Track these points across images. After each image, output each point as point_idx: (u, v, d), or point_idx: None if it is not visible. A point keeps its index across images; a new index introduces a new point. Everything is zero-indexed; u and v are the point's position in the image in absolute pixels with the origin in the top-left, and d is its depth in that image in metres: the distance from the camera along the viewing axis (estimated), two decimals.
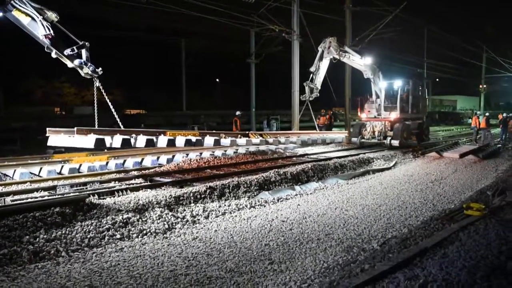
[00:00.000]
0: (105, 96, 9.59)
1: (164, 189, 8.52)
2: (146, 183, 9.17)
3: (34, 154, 12.91)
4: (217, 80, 58.17)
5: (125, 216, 6.42)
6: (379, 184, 10.31)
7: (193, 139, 10.60)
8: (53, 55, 8.58)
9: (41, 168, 10.46)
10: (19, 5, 8.06)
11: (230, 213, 7.46)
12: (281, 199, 8.61)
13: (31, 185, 8.90)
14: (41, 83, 42.59)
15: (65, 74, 42.56)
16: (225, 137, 11.73)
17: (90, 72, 9.03)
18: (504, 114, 22.32)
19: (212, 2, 16.04)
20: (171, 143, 10.10)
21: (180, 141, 10.21)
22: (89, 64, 8.92)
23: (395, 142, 16.72)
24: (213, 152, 14.12)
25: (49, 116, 30.09)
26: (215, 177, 10.00)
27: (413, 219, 7.10)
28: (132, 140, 9.47)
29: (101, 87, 9.36)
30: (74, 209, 6.43)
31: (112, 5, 16.98)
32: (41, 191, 8.18)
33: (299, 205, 8.13)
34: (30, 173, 10.20)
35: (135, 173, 10.66)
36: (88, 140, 8.77)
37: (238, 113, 18.69)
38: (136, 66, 50.48)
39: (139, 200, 7.23)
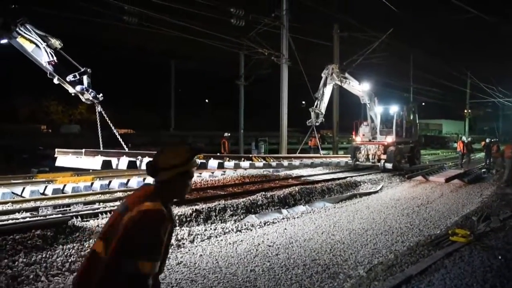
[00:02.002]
0: (108, 121, 9.92)
1: None
2: None
3: (18, 173, 12.70)
4: (206, 100, 58.42)
5: None
6: (366, 208, 10.31)
7: (198, 162, 10.52)
8: (55, 81, 8.76)
9: (24, 188, 10.25)
10: (24, 32, 8.13)
11: (216, 237, 7.36)
12: (268, 223, 8.54)
13: (12, 205, 8.72)
14: (28, 100, 42.23)
15: (53, 91, 42.42)
16: (229, 160, 11.76)
17: (91, 98, 9.23)
18: (487, 140, 22.75)
19: (202, 25, 16.24)
20: None
21: None
22: (90, 90, 9.09)
23: (389, 165, 17.17)
24: (200, 174, 14.05)
25: (35, 134, 29.73)
26: (201, 199, 9.90)
27: (399, 245, 7.09)
28: (138, 162, 9.51)
29: (103, 112, 9.60)
30: (56, 231, 6.29)
31: (101, 25, 17.05)
32: (23, 212, 8.02)
33: (285, 229, 8.07)
34: (13, 193, 9.99)
35: (120, 194, 10.51)
36: (96, 162, 9.00)
37: (226, 134, 18.75)
38: (125, 85, 50.58)
39: None
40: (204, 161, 11.11)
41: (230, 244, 6.92)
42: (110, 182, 11.73)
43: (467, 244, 5.81)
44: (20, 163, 19.19)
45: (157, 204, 1.96)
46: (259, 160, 13.06)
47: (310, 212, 9.77)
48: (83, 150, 9.20)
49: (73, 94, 9.54)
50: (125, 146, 10.27)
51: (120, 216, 1.97)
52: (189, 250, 6.53)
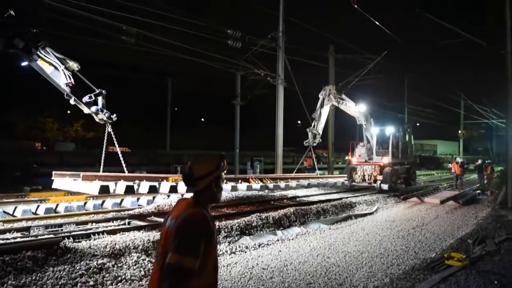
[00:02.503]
0: (115, 141, 10.04)
1: (143, 233, 8.30)
2: (124, 226, 8.93)
3: (10, 192, 12.56)
4: (202, 119, 58.59)
5: (100, 261, 6.19)
6: (361, 230, 10.25)
7: None
8: (72, 101, 9.02)
9: (15, 207, 10.14)
10: (44, 55, 8.38)
11: None
12: (263, 245, 8.45)
13: (4, 225, 8.60)
14: (23, 117, 42.13)
15: (48, 108, 42.34)
16: (226, 183, 11.74)
17: (105, 118, 9.46)
18: (480, 161, 22.86)
19: (199, 45, 16.41)
20: (173, 189, 10.12)
21: (182, 187, 10.15)
22: (105, 111, 9.33)
23: (385, 186, 17.24)
24: None
25: (29, 151, 29.55)
26: None
27: (395, 268, 7.02)
28: (135, 186, 9.53)
29: (112, 133, 9.78)
30: (47, 253, 6.18)
31: (98, 45, 17.20)
32: (13, 232, 7.90)
33: (280, 251, 7.99)
34: (4, 212, 9.88)
35: (114, 214, 10.40)
36: (93, 187, 8.94)
37: (222, 154, 18.82)
38: (121, 103, 50.66)
39: (115, 244, 7.01)
40: None
41: (224, 266, 6.83)
42: (103, 202, 11.62)
43: (463, 268, 5.77)
44: (13, 180, 19.01)
45: (199, 209, 2.27)
46: (256, 181, 12.92)
47: (305, 233, 9.70)
48: (81, 174, 9.14)
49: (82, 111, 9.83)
50: (125, 170, 10.37)
51: (170, 227, 2.21)
52: None
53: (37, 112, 42.09)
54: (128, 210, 11.20)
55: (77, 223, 8.95)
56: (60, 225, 8.70)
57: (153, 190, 9.75)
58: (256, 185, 12.86)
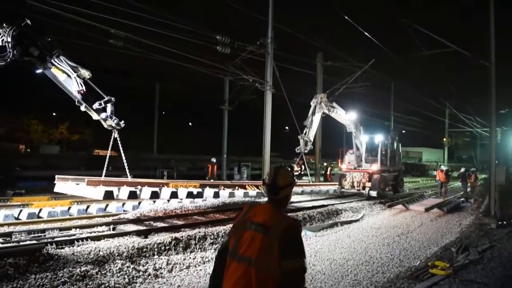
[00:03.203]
0: (120, 147, 10.23)
1: (127, 239, 8.22)
2: (108, 232, 8.83)
3: None
4: (190, 124, 58.39)
5: (83, 268, 6.10)
6: (347, 237, 10.30)
7: (195, 191, 10.84)
8: (82, 108, 9.30)
9: None
10: (58, 63, 8.67)
11: (195, 266, 7.22)
12: None
13: None
14: (7, 118, 41.45)
15: (33, 110, 41.71)
16: (223, 189, 11.91)
17: (113, 125, 9.74)
18: (463, 169, 23.19)
19: (188, 50, 16.35)
20: (174, 195, 10.28)
21: (182, 193, 10.41)
22: (114, 117, 9.61)
23: (373, 193, 17.55)
24: (181, 200, 13.86)
25: (13, 154, 29.05)
26: (181, 227, 9.73)
27: (379, 276, 7.06)
28: (138, 192, 9.66)
29: (118, 139, 10.05)
30: (29, 260, 6.07)
31: (86, 48, 17.05)
32: None
33: None
34: None
35: (98, 220, 10.28)
36: (97, 192, 8.99)
37: (213, 160, 19.10)
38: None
39: (99, 250, 6.92)
40: (201, 190, 11.23)
41: (209, 274, 6.75)
42: (88, 207, 11.47)
43: (447, 277, 5.83)
44: None
45: (289, 216, 2.69)
46: (253, 188, 13.05)
47: None
48: (86, 179, 9.21)
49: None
50: (129, 175, 10.53)
51: (259, 232, 2.47)
52: (167, 280, 6.39)
53: (21, 114, 41.48)
54: (113, 215, 11.09)
55: (61, 229, 8.82)
56: (43, 231, 8.56)
57: (155, 195, 9.87)
58: (253, 191, 12.96)
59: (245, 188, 12.91)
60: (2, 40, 7.56)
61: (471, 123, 39.32)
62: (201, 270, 7.02)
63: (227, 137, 26.82)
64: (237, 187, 12.76)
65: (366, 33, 17.96)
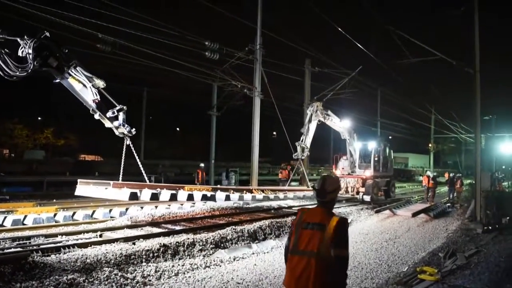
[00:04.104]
0: (134, 153, 10.56)
1: (115, 246, 8.11)
2: (95, 239, 8.71)
3: None
4: (177, 129, 58.11)
5: (70, 276, 5.99)
6: None
7: (208, 194, 11.39)
8: (96, 116, 9.67)
9: None
10: (74, 74, 9.04)
11: (184, 273, 7.15)
12: (238, 258, 8.39)
13: None
14: None
15: (17, 114, 41.08)
16: (233, 193, 12.45)
17: (125, 132, 10.12)
18: (452, 174, 23.45)
19: (177, 55, 16.34)
20: (190, 197, 10.84)
21: (197, 195, 10.99)
22: (126, 125, 10.01)
23: (367, 198, 18.03)
24: (169, 206, 13.79)
25: None
26: (169, 233, 9.64)
27: (368, 282, 7.08)
28: (158, 194, 10.16)
29: (131, 146, 10.45)
30: (14, 268, 5.95)
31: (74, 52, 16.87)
32: None
33: (255, 264, 7.94)
34: None
35: (85, 226, 10.13)
36: (123, 194, 9.55)
37: (201, 165, 19.05)
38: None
39: (86, 258, 6.82)
40: (214, 193, 11.73)
41: (198, 281, 6.74)
42: (74, 213, 11.31)
43: (435, 282, 5.87)
44: None
45: (338, 214, 3.22)
46: (259, 192, 13.64)
47: (280, 246, 9.67)
48: (111, 182, 9.73)
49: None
50: (147, 179, 10.91)
51: (316, 230, 3.07)
52: None
53: (5, 118, 40.82)
54: (100, 221, 10.95)
55: (46, 236, 8.67)
56: (28, 238, 8.41)
57: (173, 197, 10.42)
58: (260, 195, 13.57)
59: (252, 192, 13.39)
60: (23, 51, 7.82)
61: (456, 129, 39.94)
62: (189, 277, 6.95)
63: (215, 143, 26.74)
64: (245, 191, 13.22)
65: (353, 40, 18.15)
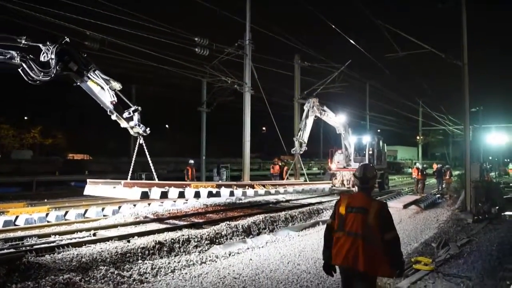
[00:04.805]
0: (146, 153, 10.90)
1: (110, 244, 8.05)
2: (89, 238, 8.64)
3: None
4: (167, 126, 57.77)
5: (66, 276, 5.93)
6: None
7: (214, 190, 11.69)
8: (114, 117, 10.06)
9: None
10: (93, 77, 9.38)
11: (180, 270, 7.15)
12: (233, 253, 8.41)
13: None
14: None
15: (3, 114, 40.44)
16: (236, 188, 12.71)
17: (140, 132, 10.52)
18: (439, 165, 23.75)
19: (165, 52, 16.22)
20: (197, 194, 11.12)
21: (203, 192, 11.29)
22: (141, 125, 10.43)
23: None
24: (162, 203, 13.73)
25: None
26: (164, 230, 9.60)
27: None
28: (167, 192, 10.49)
29: (144, 145, 10.81)
30: (9, 269, 5.88)
31: None
32: None
33: (251, 259, 7.97)
34: None
35: (78, 226, 10.05)
36: (134, 193, 9.81)
37: (191, 161, 18.89)
38: (82, 110, 49.16)
39: (82, 257, 6.77)
40: (219, 189, 11.97)
41: (195, 277, 6.74)
42: (66, 212, 11.20)
43: (430, 272, 5.96)
44: None
45: (378, 199, 3.72)
46: (260, 187, 13.87)
47: (274, 241, 9.72)
48: (122, 182, 9.99)
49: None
50: (155, 177, 11.19)
51: (359, 213, 3.53)
52: (152, 285, 6.30)
53: None
54: (93, 220, 10.88)
55: (39, 236, 8.58)
56: (21, 238, 8.31)
57: (181, 195, 10.70)
58: (261, 190, 13.77)
59: (253, 187, 13.61)
60: (44, 56, 8.22)
61: (443, 121, 40.38)
62: (186, 273, 6.95)
63: (206, 139, 26.64)
64: (247, 187, 13.43)
65: (343, 34, 18.20)
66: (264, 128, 57.47)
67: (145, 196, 9.88)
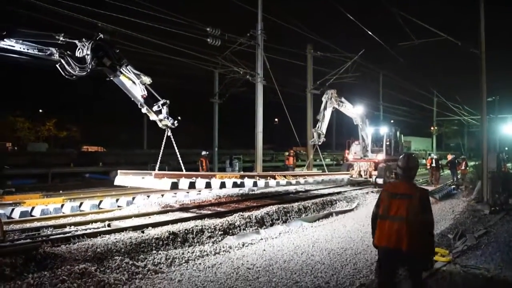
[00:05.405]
0: (174, 145, 11.11)
1: (124, 235, 8.09)
2: (104, 228, 8.71)
3: None
4: (179, 118, 57.88)
5: (81, 266, 5.99)
6: (343, 227, 10.33)
7: (238, 181, 11.96)
8: (144, 110, 10.48)
9: None
10: (125, 72, 9.73)
11: (194, 260, 7.16)
12: (246, 244, 8.40)
13: None
14: None
15: (19, 107, 40.96)
16: (259, 179, 12.88)
17: (169, 124, 10.86)
18: (453, 156, 23.39)
19: (177, 43, 16.16)
20: (223, 185, 11.39)
21: (229, 183, 11.55)
22: (170, 118, 10.73)
23: (380, 180, 18.66)
24: (175, 194, 13.79)
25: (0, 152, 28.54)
26: (178, 221, 9.62)
27: None
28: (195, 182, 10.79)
29: (171, 137, 11.13)
30: (25, 259, 5.95)
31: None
32: None
33: (264, 250, 7.95)
34: None
35: (93, 216, 10.14)
36: (164, 183, 10.16)
37: (204, 153, 18.78)
38: (96, 102, 49.53)
39: (97, 247, 6.82)
40: (243, 180, 12.27)
41: (209, 267, 6.75)
42: (81, 203, 11.32)
43: (447, 263, 5.86)
44: None
45: (420, 186, 4.28)
46: (282, 178, 14.08)
47: (288, 232, 9.69)
48: (153, 173, 10.34)
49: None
50: (183, 169, 11.51)
51: (404, 199, 3.91)
52: (166, 275, 6.32)
53: (7, 111, 40.74)
54: (108, 211, 10.97)
55: (55, 226, 8.68)
56: (37, 229, 8.41)
57: (208, 185, 10.96)
58: (283, 181, 13.96)
59: (275, 178, 13.72)
60: (80, 52, 8.51)
61: (459, 111, 39.70)
62: (200, 264, 6.96)
63: (218, 130, 26.63)
64: (269, 177, 13.55)
65: (356, 21, 17.89)
66: (276, 120, 57.25)
67: (174, 186, 10.20)
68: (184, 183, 10.45)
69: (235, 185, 11.82)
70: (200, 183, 10.79)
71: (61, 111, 47.13)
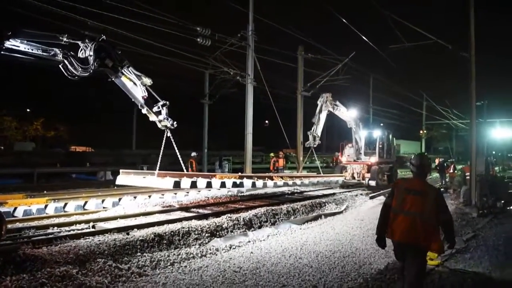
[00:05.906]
0: (174, 145, 11.00)
1: (108, 236, 7.91)
2: (88, 230, 8.52)
3: None
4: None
5: (62, 268, 5.81)
6: (332, 229, 10.25)
7: (237, 181, 12.23)
8: (144, 111, 10.56)
9: None
10: (126, 73, 9.81)
11: (180, 262, 7.01)
12: (234, 246, 8.27)
13: None
14: None
15: (6, 106, 40.34)
16: (257, 180, 13.11)
17: (168, 125, 10.83)
18: (442, 159, 23.57)
19: (167, 43, 15.99)
20: (223, 185, 11.65)
21: (229, 183, 11.81)
22: (169, 119, 10.76)
23: (373, 183, 19.01)
24: (163, 195, 13.61)
25: None
26: (164, 222, 9.45)
27: (367, 267, 7.01)
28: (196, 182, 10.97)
29: (171, 138, 11.06)
30: (4, 261, 5.76)
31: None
32: None
33: (252, 252, 7.83)
34: None
35: (77, 217, 9.93)
36: (166, 182, 10.38)
37: (193, 154, 18.61)
38: (84, 102, 49.01)
39: (79, 249, 6.64)
40: (242, 180, 12.47)
41: (195, 270, 6.61)
42: (65, 204, 11.08)
43: (436, 266, 5.80)
44: None
45: (433, 185, 4.47)
46: (279, 179, 14.28)
47: (276, 234, 9.59)
48: (156, 172, 10.54)
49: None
50: (184, 169, 11.64)
51: (418, 196, 4.10)
52: (151, 278, 6.17)
53: None
54: (93, 212, 10.76)
55: (37, 228, 8.46)
56: (19, 230, 8.19)
57: (209, 185, 11.17)
58: (280, 182, 14.20)
59: (272, 179, 13.99)
60: (83, 53, 8.60)
61: (448, 115, 40.04)
62: (186, 266, 6.82)
63: (208, 131, 26.43)
64: (266, 178, 13.80)
65: (348, 24, 17.88)
66: (266, 122, 57.17)
67: (177, 185, 10.43)
68: (185, 182, 10.65)
69: (234, 185, 12.08)
70: (201, 182, 10.98)
71: (50, 111, 46.57)
